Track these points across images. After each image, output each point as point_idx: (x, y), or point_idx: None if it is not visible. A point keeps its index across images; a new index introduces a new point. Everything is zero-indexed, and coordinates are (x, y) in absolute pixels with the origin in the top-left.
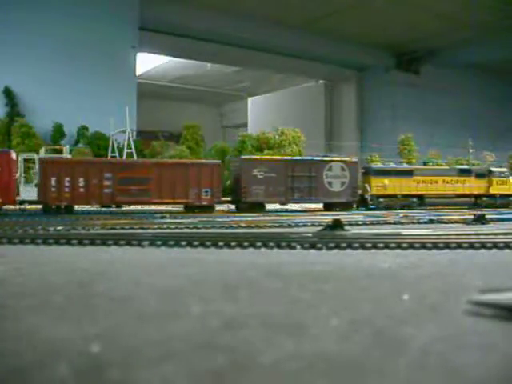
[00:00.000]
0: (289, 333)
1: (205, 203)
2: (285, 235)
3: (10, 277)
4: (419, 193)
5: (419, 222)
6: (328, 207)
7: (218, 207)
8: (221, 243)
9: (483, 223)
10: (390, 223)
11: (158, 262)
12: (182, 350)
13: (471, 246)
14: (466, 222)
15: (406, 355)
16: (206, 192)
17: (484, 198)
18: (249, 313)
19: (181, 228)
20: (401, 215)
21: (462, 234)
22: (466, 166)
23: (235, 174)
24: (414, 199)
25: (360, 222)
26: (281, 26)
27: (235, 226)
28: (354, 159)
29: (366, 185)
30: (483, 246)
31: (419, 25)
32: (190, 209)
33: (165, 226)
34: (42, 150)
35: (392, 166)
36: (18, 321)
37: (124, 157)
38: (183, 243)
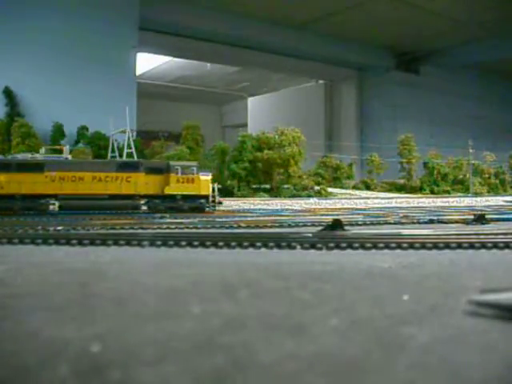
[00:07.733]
0: (289, 333)
1: None
2: (285, 235)
3: (10, 277)
4: (51, 193)
5: (419, 222)
6: None
7: None
8: (221, 243)
9: (483, 223)
10: (390, 223)
11: (157, 262)
12: (181, 349)
13: (471, 246)
14: (465, 222)
15: (406, 355)
16: None
17: (156, 200)
18: (249, 312)
19: (181, 228)
20: (400, 215)
21: (462, 234)
22: (130, 159)
23: None
24: (43, 201)
25: (360, 222)
26: (281, 26)
27: (235, 225)
28: None
29: None
30: (483, 246)
31: (419, 25)
32: None
33: (164, 226)
34: (42, 150)
35: (17, 156)
36: (17, 321)
37: (124, 157)
38: (183, 243)
